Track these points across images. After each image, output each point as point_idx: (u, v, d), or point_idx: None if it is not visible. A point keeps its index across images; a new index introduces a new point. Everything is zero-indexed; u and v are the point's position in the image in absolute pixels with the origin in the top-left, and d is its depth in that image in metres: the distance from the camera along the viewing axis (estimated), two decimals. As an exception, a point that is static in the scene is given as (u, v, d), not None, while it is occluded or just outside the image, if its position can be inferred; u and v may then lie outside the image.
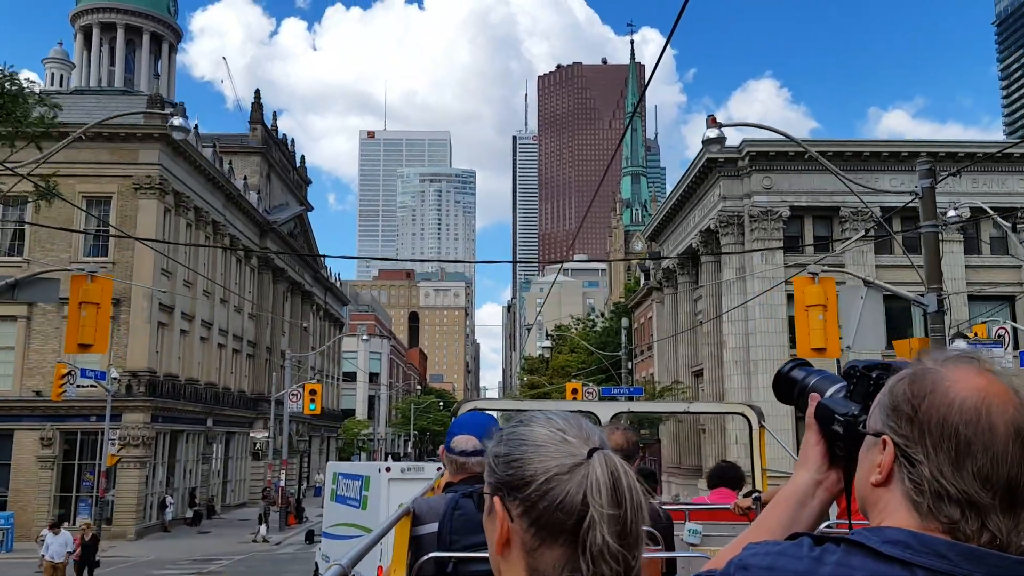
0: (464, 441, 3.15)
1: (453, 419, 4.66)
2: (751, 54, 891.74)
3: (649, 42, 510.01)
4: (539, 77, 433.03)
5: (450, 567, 2.83)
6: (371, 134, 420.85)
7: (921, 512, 1.17)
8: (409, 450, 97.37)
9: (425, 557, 2.89)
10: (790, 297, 27.30)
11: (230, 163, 51.82)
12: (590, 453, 1.23)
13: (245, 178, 53.75)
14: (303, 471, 59.83)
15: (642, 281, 56.38)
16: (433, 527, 2.95)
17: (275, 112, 63.54)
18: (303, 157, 71.12)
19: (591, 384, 42.43)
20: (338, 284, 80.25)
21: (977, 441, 1.14)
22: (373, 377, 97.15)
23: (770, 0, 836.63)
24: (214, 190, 46.62)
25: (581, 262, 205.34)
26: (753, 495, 5.45)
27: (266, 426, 48.12)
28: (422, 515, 3.06)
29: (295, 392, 42.82)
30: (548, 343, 75.88)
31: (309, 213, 68.13)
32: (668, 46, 7.57)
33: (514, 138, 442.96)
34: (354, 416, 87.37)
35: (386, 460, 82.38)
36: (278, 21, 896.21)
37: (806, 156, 29.02)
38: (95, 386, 32.00)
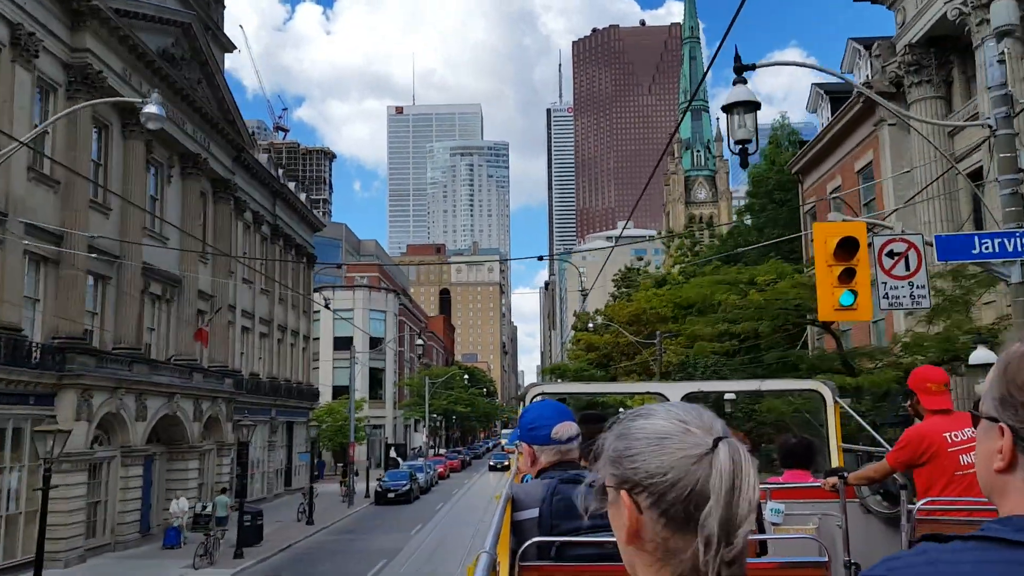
0: (566, 428, 3.18)
1: (523, 406, 5.34)
2: (774, 26, 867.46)
3: (674, 15, 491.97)
4: (573, 43, 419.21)
5: (552, 551, 2.92)
6: (399, 109, 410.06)
7: None
8: (423, 439, 78.89)
9: (529, 542, 2.92)
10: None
11: None
12: (715, 443, 1.23)
13: None
14: (237, 473, 39.43)
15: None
16: (532, 512, 2.98)
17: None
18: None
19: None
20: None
21: None
22: (375, 344, 75.42)
23: None
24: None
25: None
26: (840, 475, 5.39)
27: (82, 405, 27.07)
28: (521, 501, 3.06)
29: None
30: (612, 292, 63.08)
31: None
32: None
33: (548, 111, 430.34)
34: (344, 395, 68.22)
35: (390, 456, 69.05)
36: (292, 7, 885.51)
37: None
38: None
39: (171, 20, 34.45)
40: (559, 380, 72.12)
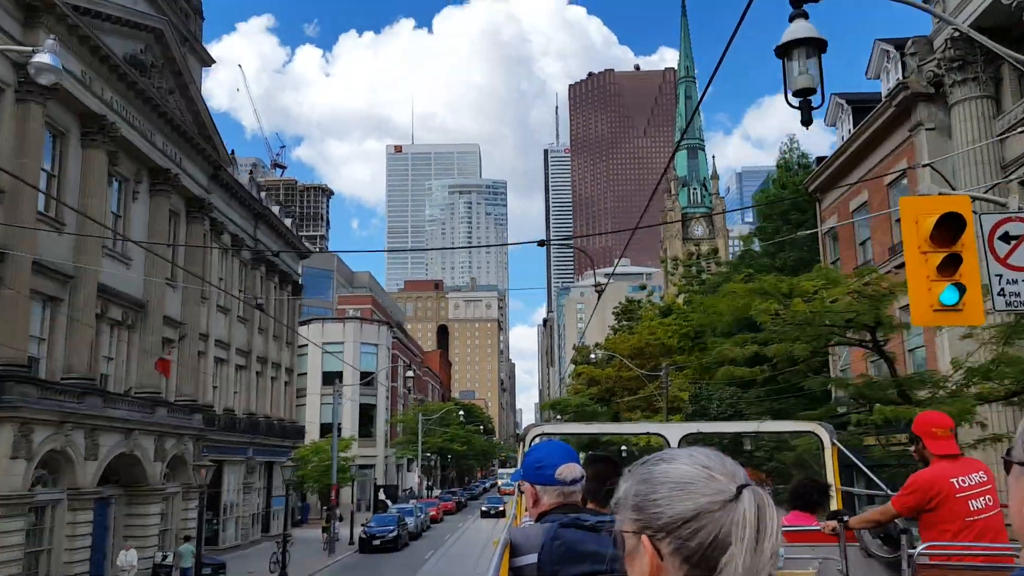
0: (571, 470, 3.09)
1: (524, 447, 5.97)
2: (765, 71, 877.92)
3: (668, 61, 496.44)
4: (570, 86, 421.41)
5: None
6: (398, 148, 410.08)
7: None
8: (416, 478, 76.52)
9: None
10: None
11: None
12: (739, 490, 1.23)
13: None
14: (208, 518, 36.89)
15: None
16: (532, 558, 2.89)
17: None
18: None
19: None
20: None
21: None
22: (364, 378, 71.98)
23: (783, 18, 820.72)
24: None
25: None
26: (841, 518, 5.39)
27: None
28: (520, 546, 2.97)
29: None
30: (613, 324, 60.35)
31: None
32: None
33: (545, 151, 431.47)
34: (339, 434, 67.56)
35: (379, 499, 65.07)
36: (292, 50, 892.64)
37: None
38: None
39: (141, 24, 31.92)
40: (559, 416, 69.26)
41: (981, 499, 4.82)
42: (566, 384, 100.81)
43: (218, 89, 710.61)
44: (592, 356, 58.44)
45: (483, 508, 68.32)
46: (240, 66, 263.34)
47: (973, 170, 22.46)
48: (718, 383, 20.73)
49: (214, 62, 39.82)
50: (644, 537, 1.25)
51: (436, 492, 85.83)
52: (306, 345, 67.26)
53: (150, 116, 32.57)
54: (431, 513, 59.70)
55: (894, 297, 15.63)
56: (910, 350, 24.85)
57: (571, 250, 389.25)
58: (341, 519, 50.88)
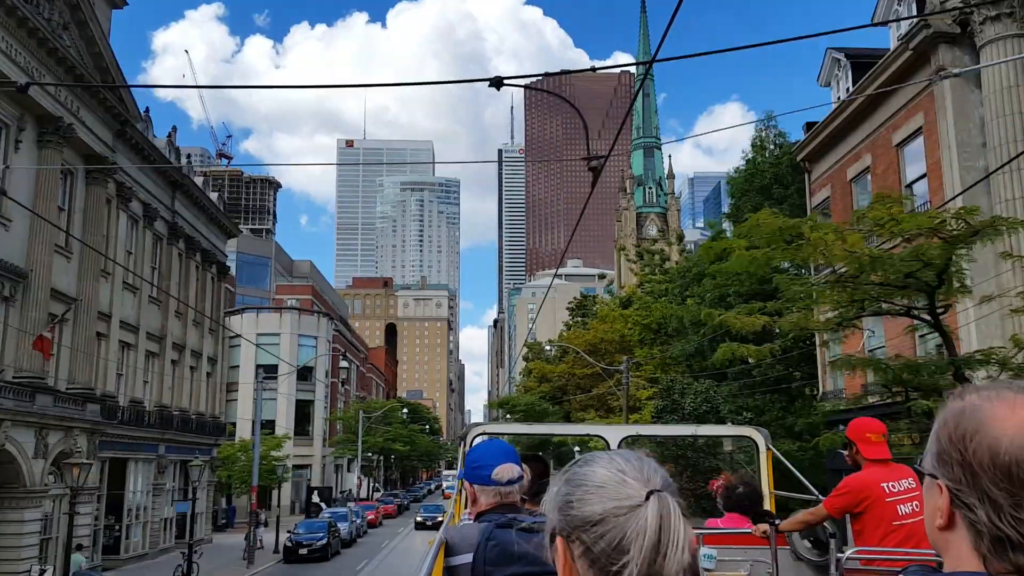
0: (509, 470, 3.10)
1: (465, 446, 5.76)
2: (718, 79, 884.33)
3: (621, 66, 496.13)
4: (525, 86, 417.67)
5: None
6: (349, 143, 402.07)
7: (985, 555, 1.11)
8: (356, 479, 70.82)
9: None
10: None
11: None
12: (647, 496, 1.22)
13: None
14: (107, 524, 34.51)
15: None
16: (467, 557, 2.90)
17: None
18: None
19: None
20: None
21: None
22: (307, 375, 67.44)
23: (736, 25, 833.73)
24: None
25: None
26: (771, 521, 5.45)
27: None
28: (455, 545, 2.98)
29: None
30: (566, 321, 56.40)
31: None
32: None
33: (500, 151, 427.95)
34: (272, 431, 59.92)
35: (312, 501, 59.69)
36: (242, 40, 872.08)
37: None
38: None
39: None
40: (508, 415, 65.40)
41: (908, 504, 4.88)
42: (516, 384, 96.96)
43: (164, 77, 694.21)
44: (547, 347, 54.40)
45: (417, 519, 55.96)
46: (187, 51, 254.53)
47: (1005, 124, 18.99)
48: (718, 362, 16.77)
49: (126, 4, 34.96)
50: (559, 539, 1.26)
51: (378, 494, 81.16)
52: (239, 336, 62.42)
53: (37, 52, 27.71)
54: (369, 517, 55.15)
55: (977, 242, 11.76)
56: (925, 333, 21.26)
57: (523, 251, 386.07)
58: (266, 524, 46.20)
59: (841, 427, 24.44)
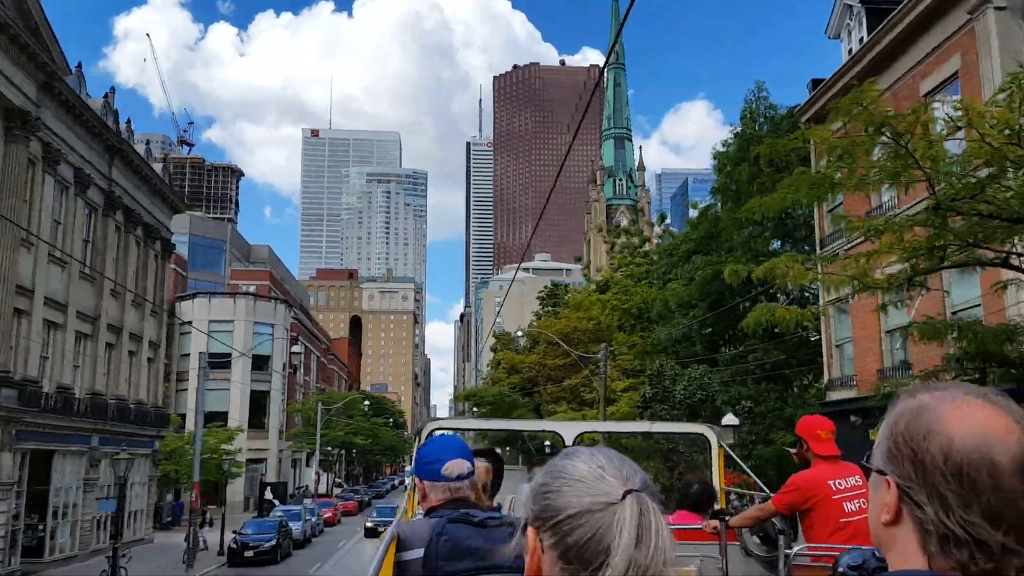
0: (459, 465, 3.10)
1: (420, 442, 5.62)
2: (686, 77, 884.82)
3: (589, 61, 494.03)
4: (494, 78, 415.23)
5: None
6: (315, 132, 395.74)
7: (931, 553, 1.14)
8: (314, 474, 66.25)
9: None
10: None
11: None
12: (625, 494, 1.23)
13: None
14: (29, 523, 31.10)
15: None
16: (418, 553, 2.88)
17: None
18: None
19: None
20: (160, 165, 43.47)
21: (981, 480, 1.10)
22: (263, 364, 63.04)
23: (705, 28, 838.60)
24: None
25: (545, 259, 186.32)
26: (721, 517, 5.46)
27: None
28: (407, 540, 2.96)
29: None
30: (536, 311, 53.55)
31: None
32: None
33: (468, 144, 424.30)
34: (225, 423, 55.66)
35: (266, 498, 55.90)
36: (205, 27, 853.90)
37: None
38: None
39: None
40: (475, 408, 62.58)
41: (855, 502, 4.90)
42: (483, 377, 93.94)
43: (125, 63, 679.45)
44: (519, 332, 51.44)
45: (367, 524, 45.47)
46: (148, 35, 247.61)
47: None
48: (750, 327, 13.87)
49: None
50: (530, 529, 1.27)
51: (340, 490, 77.60)
52: (190, 323, 58.61)
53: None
54: (326, 515, 51.79)
55: None
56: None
57: (491, 246, 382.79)
58: (211, 523, 42.74)
59: (853, 417, 21.69)
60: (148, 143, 44.65)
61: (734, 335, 28.91)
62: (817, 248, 24.52)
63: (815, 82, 25.51)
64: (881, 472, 1.21)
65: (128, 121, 38.22)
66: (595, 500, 1.21)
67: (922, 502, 1.13)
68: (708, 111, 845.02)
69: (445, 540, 2.83)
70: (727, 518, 5.43)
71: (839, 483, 4.94)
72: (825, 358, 24.35)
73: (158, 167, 43.83)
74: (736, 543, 5.72)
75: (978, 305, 17.55)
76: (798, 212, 28.76)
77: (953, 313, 17.93)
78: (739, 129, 37.01)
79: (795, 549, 5.00)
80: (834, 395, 23.65)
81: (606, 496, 1.21)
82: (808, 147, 26.54)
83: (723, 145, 37.82)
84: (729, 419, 20.65)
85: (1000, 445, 1.11)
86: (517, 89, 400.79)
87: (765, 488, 6.82)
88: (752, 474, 7.20)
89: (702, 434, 7.11)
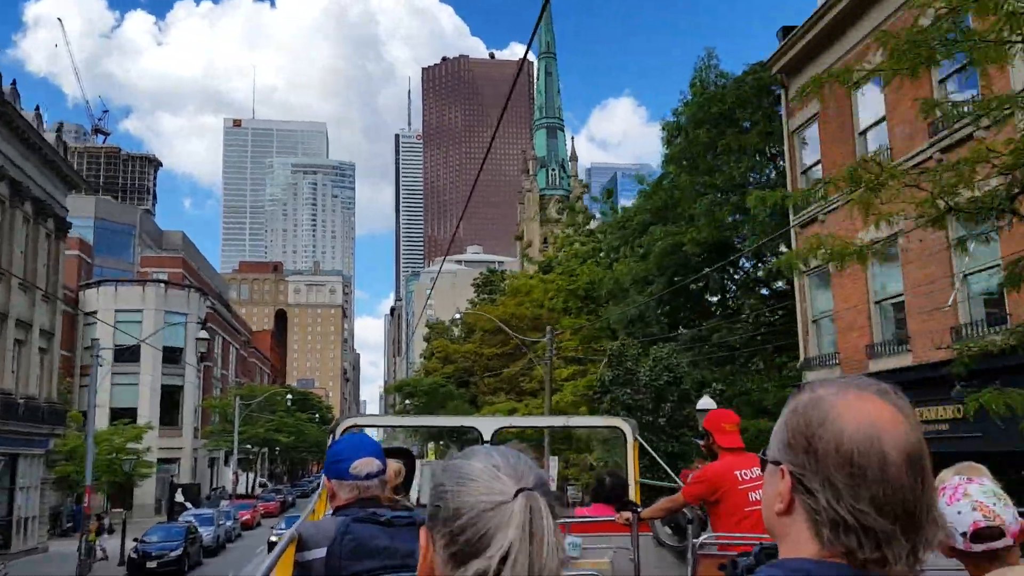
0: (367, 464, 3.01)
1: (333, 439, 5.35)
2: (612, 73, 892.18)
3: (519, 54, 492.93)
4: (423, 69, 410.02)
5: None
6: (237, 122, 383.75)
7: (822, 540, 1.18)
8: (232, 473, 62.24)
9: None
10: None
11: None
12: (516, 493, 1.21)
13: None
14: None
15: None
16: (320, 552, 2.78)
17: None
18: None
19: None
20: (55, 134, 39.46)
21: (870, 469, 1.15)
22: (176, 357, 59.33)
23: (630, 25, 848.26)
24: None
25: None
26: (634, 509, 5.56)
27: None
28: (309, 539, 2.85)
29: None
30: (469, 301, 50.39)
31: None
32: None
33: (397, 136, 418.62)
34: (134, 420, 51.70)
35: (176, 502, 51.41)
36: (122, 14, 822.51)
37: None
38: None
39: None
40: (407, 401, 59.36)
41: (758, 492, 4.78)
42: (415, 368, 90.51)
43: (36, 52, 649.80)
44: (457, 315, 48.32)
45: (270, 538, 33.85)
46: (60, 20, 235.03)
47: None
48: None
49: None
50: (423, 529, 1.25)
51: (262, 489, 73.31)
52: (93, 314, 53.81)
53: None
54: (243, 518, 47.84)
55: None
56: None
57: (421, 239, 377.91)
58: (111, 530, 38.61)
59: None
60: (61, 127, 39.93)
61: (694, 312, 26.57)
62: (791, 216, 22.09)
63: (786, 29, 23.07)
64: (776, 462, 1.23)
65: (39, 109, 33.73)
66: (486, 499, 1.17)
67: (815, 489, 1.16)
68: (634, 108, 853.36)
69: (350, 539, 2.76)
70: (639, 509, 5.52)
71: (744, 473, 5.00)
72: (801, 335, 21.96)
73: (51, 137, 39.29)
74: (649, 533, 5.83)
75: None
76: (763, 177, 26.44)
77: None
78: (688, 99, 34.69)
79: (701, 538, 5.09)
80: (811, 375, 21.28)
81: (498, 495, 1.17)
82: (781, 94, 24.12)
83: (673, 115, 35.38)
84: (706, 403, 18.09)
85: (888, 435, 1.15)
86: (446, 82, 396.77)
87: (678, 480, 6.99)
88: (666, 467, 7.38)
89: (617, 427, 7.17)
